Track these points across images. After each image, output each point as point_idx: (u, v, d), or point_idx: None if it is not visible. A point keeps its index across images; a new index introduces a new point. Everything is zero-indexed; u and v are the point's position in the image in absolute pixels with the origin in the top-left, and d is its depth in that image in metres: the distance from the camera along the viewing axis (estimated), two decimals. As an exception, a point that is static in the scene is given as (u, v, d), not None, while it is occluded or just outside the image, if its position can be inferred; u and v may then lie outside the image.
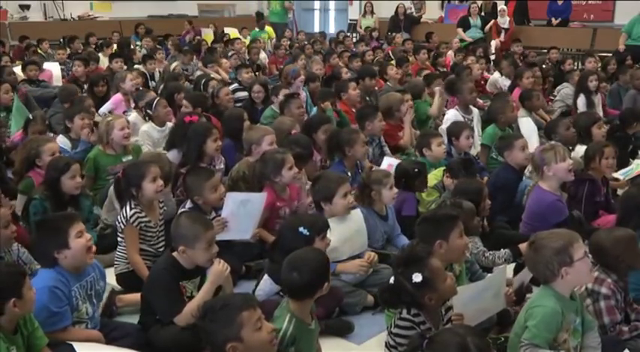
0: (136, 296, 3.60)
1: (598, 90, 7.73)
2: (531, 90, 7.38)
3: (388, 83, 8.32)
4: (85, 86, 8.00)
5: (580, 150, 5.33)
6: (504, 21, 12.99)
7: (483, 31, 13.16)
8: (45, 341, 2.85)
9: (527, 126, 6.26)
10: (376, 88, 7.98)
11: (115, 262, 4.00)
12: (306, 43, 12.81)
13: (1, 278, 2.63)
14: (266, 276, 3.55)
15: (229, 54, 10.67)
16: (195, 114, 5.66)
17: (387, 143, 6.05)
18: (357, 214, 4.01)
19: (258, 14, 15.78)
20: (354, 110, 6.63)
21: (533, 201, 4.41)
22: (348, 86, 7.05)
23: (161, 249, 4.00)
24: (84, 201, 4.43)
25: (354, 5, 17.57)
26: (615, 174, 5.41)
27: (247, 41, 12.83)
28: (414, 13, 15.17)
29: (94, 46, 12.11)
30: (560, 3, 13.27)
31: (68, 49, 11.56)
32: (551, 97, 8.64)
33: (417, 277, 2.64)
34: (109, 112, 6.99)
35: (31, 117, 6.08)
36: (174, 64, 9.46)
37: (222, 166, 5.06)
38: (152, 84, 9.00)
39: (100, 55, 10.73)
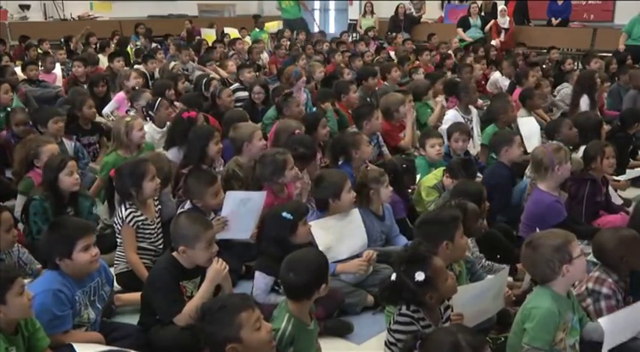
0: (134, 296, 3.61)
1: (600, 91, 7.73)
2: (532, 89, 7.39)
3: (386, 83, 8.32)
4: (85, 86, 7.99)
5: (581, 150, 5.34)
6: (504, 21, 12.99)
7: (483, 31, 13.16)
8: (46, 343, 2.85)
9: (529, 126, 6.23)
10: (376, 88, 7.97)
11: (115, 262, 4.00)
12: (306, 43, 12.81)
13: None
14: (257, 273, 3.55)
15: (230, 54, 10.67)
16: (193, 109, 5.65)
17: (388, 144, 6.06)
18: (356, 214, 4.02)
19: (255, 16, 15.84)
20: (350, 112, 6.61)
21: (532, 202, 4.41)
22: (348, 88, 7.06)
23: (161, 247, 4.01)
24: (83, 202, 4.42)
25: (354, 5, 17.57)
26: (622, 179, 5.43)
27: (248, 41, 12.84)
28: (414, 13, 15.17)
29: (94, 47, 12.12)
30: (560, 3, 13.27)
31: (64, 49, 11.56)
32: (551, 97, 8.62)
33: (420, 276, 2.66)
34: (111, 112, 7.02)
35: (9, 110, 6.01)
36: (172, 64, 9.45)
37: (221, 168, 5.06)
38: (152, 83, 8.99)
39: (100, 55, 10.73)
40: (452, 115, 6.53)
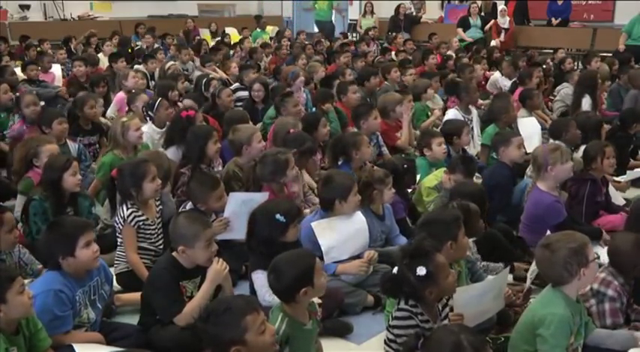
0: (134, 296, 3.60)
1: (600, 91, 7.73)
2: (532, 89, 7.39)
3: (386, 83, 8.32)
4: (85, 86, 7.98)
5: (581, 150, 5.34)
6: (504, 21, 12.99)
7: (483, 31, 13.16)
8: (48, 343, 2.85)
9: (530, 126, 6.23)
10: (377, 89, 7.98)
11: (115, 261, 4.00)
12: (307, 43, 12.81)
13: None
14: (254, 275, 3.48)
15: (231, 53, 10.67)
16: (191, 109, 5.65)
17: (386, 143, 6.06)
18: (358, 214, 4.01)
19: (257, 17, 15.86)
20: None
21: (532, 202, 4.41)
22: (347, 89, 7.06)
23: (161, 247, 4.01)
24: (83, 202, 4.41)
25: (354, 5, 17.57)
26: (623, 180, 5.43)
27: (251, 42, 12.85)
28: (414, 13, 15.17)
29: (94, 47, 12.12)
30: (560, 3, 13.27)
31: (64, 49, 11.56)
32: (551, 97, 8.63)
33: (422, 270, 2.68)
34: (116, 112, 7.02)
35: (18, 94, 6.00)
36: (168, 64, 9.45)
37: (220, 168, 5.06)
38: (152, 83, 8.99)
39: (99, 55, 10.73)
40: (452, 115, 6.54)
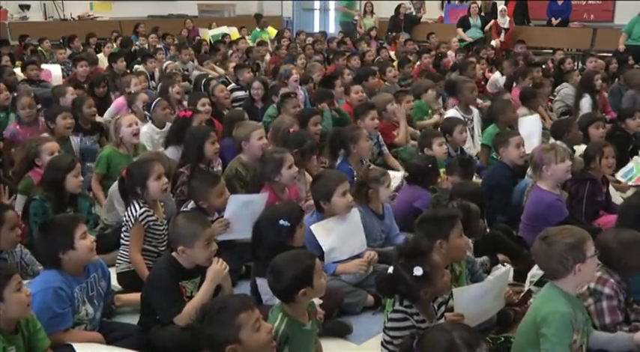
0: (134, 296, 3.60)
1: (600, 91, 7.73)
2: (533, 88, 7.39)
3: (387, 83, 8.33)
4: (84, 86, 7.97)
5: (580, 149, 5.34)
6: (504, 21, 12.98)
7: (483, 31, 13.16)
8: (47, 344, 2.85)
9: (531, 125, 6.21)
10: (377, 89, 7.98)
11: (117, 261, 3.98)
12: (307, 42, 12.82)
13: None
14: (259, 281, 3.46)
15: (230, 53, 10.67)
16: (190, 109, 5.65)
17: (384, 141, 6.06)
18: (355, 214, 4.00)
19: (257, 15, 15.85)
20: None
21: (532, 201, 4.41)
22: (350, 90, 7.07)
23: (163, 249, 3.99)
24: (82, 202, 4.41)
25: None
26: (618, 176, 5.42)
27: (248, 41, 12.84)
28: (414, 13, 15.17)
29: (94, 47, 12.13)
30: (560, 3, 13.27)
31: (68, 49, 11.57)
32: (551, 97, 8.63)
33: (418, 270, 2.67)
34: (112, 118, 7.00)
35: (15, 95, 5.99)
36: (166, 63, 9.46)
37: (219, 168, 5.06)
38: (152, 83, 9.00)
39: (99, 55, 10.73)
40: (452, 115, 6.53)
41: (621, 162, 5.41)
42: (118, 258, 3.99)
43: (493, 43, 12.57)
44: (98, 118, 6.59)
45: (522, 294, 3.64)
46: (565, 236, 2.86)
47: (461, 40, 12.64)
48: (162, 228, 3.98)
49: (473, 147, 6.35)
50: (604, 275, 3.21)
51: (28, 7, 15.47)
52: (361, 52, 11.24)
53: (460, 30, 13.08)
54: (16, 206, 4.50)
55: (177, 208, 4.36)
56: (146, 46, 12.12)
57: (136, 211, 3.87)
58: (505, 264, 4.16)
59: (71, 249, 3.05)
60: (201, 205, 4.06)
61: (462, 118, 6.35)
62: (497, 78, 9.20)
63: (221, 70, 9.32)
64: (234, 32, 14.19)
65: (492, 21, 13.09)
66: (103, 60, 10.35)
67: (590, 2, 14.15)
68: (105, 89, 7.54)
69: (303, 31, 14.63)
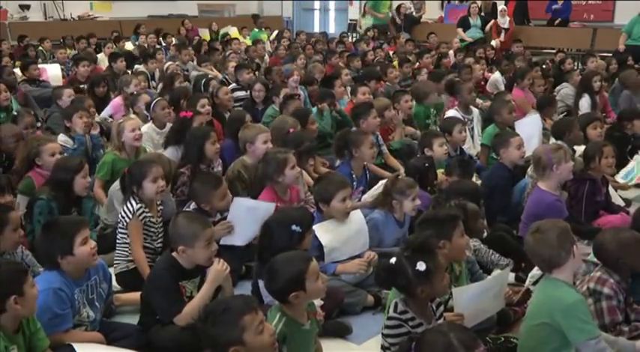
0: (134, 296, 3.60)
1: (600, 91, 7.73)
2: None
3: (387, 84, 8.32)
4: (82, 86, 7.97)
5: (579, 149, 5.34)
6: (504, 21, 12.98)
7: (483, 31, 13.16)
8: (47, 344, 2.85)
9: (531, 125, 6.20)
10: (379, 90, 7.97)
11: (115, 261, 4.00)
12: (306, 43, 12.83)
13: (2, 274, 2.64)
14: (262, 283, 3.47)
15: (227, 53, 10.67)
16: (190, 110, 5.65)
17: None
18: (358, 215, 4.00)
19: (254, 16, 15.87)
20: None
21: (533, 201, 4.40)
22: (356, 90, 7.09)
23: (160, 247, 4.03)
24: (86, 203, 4.42)
25: (354, 5, 17.58)
26: (618, 178, 5.42)
27: (248, 41, 12.83)
28: (414, 13, 15.17)
29: (94, 47, 12.13)
30: (560, 3, 13.27)
31: (74, 50, 11.59)
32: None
33: (421, 266, 2.66)
34: (110, 117, 7.00)
35: (16, 114, 5.97)
36: (167, 64, 9.46)
37: (219, 168, 5.06)
38: (152, 83, 9.01)
39: (100, 55, 10.74)
40: (452, 115, 6.54)
41: (620, 162, 5.41)
42: (116, 258, 4.00)
43: (493, 43, 12.57)
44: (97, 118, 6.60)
45: (521, 293, 3.63)
46: (554, 223, 2.95)
47: (461, 40, 12.64)
48: (156, 226, 4.02)
49: (473, 147, 6.35)
50: (603, 276, 3.22)
51: (28, 7, 15.48)
52: (362, 52, 11.24)
53: (460, 30, 13.08)
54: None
55: (178, 208, 4.36)
56: (146, 46, 12.13)
57: (132, 206, 3.90)
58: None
59: (70, 255, 3.06)
60: (203, 207, 4.06)
61: (462, 118, 6.35)
62: (497, 78, 9.20)
63: (218, 73, 9.32)
64: (234, 32, 14.21)
65: (492, 21, 13.09)
66: (103, 60, 10.35)
67: (590, 2, 14.15)
68: (105, 89, 7.54)
69: (303, 31, 14.64)
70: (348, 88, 7.73)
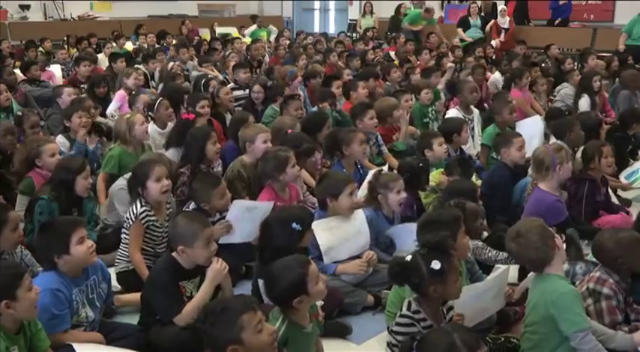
0: (134, 296, 3.61)
1: (600, 91, 7.73)
2: (522, 89, 7.43)
3: (388, 83, 8.32)
4: (82, 86, 7.98)
5: (580, 149, 5.33)
6: (504, 21, 12.98)
7: (483, 31, 13.16)
8: (47, 344, 2.85)
9: (531, 126, 6.21)
10: (379, 90, 7.97)
11: (117, 260, 4.00)
12: (307, 42, 12.83)
13: None
14: (262, 283, 3.45)
15: (227, 53, 10.67)
16: (192, 112, 5.65)
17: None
18: (360, 214, 4.01)
19: (253, 16, 15.89)
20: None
21: (533, 202, 4.40)
22: (357, 85, 7.06)
23: (161, 251, 3.99)
24: (87, 203, 4.41)
25: (354, 5, 17.59)
26: (621, 177, 5.42)
27: (247, 40, 12.84)
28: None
29: (94, 47, 12.13)
30: (560, 3, 13.27)
31: (76, 50, 11.60)
32: (551, 97, 8.63)
33: (436, 264, 2.66)
34: (115, 112, 7.01)
35: (20, 114, 5.96)
36: (170, 64, 9.47)
37: (219, 169, 5.06)
38: (152, 83, 9.01)
39: (100, 55, 10.74)
40: (453, 115, 6.54)
41: (620, 162, 5.41)
42: (118, 257, 4.00)
43: (493, 43, 12.57)
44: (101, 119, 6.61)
45: (520, 293, 3.63)
46: (530, 224, 3.04)
47: (461, 40, 12.63)
48: (161, 230, 3.98)
49: (473, 147, 6.35)
50: (603, 275, 3.22)
51: (28, 7, 15.49)
52: (361, 52, 11.23)
53: (460, 30, 13.09)
54: (17, 206, 4.51)
55: (178, 209, 4.35)
56: (145, 45, 12.12)
57: (136, 209, 3.89)
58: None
59: (66, 254, 3.05)
60: (203, 207, 4.06)
61: (463, 118, 6.36)
62: (497, 78, 9.20)
63: (218, 73, 9.32)
64: (234, 32, 14.21)
65: (492, 21, 13.09)
66: (103, 60, 10.35)
67: (590, 2, 14.16)
68: (105, 89, 7.54)
69: (303, 31, 14.63)
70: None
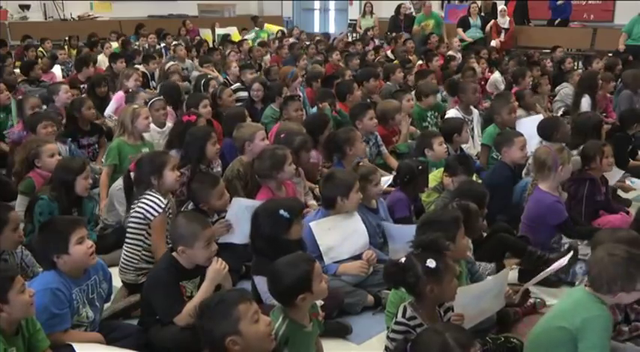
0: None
1: (601, 91, 7.72)
2: (524, 89, 7.40)
3: (388, 83, 8.32)
4: (82, 87, 7.98)
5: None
6: (504, 21, 12.98)
7: (483, 31, 13.16)
8: (46, 344, 2.85)
9: (531, 126, 6.19)
10: (379, 90, 7.97)
11: (123, 267, 3.86)
12: (308, 43, 12.83)
13: None
14: (257, 278, 3.47)
15: (227, 52, 10.67)
16: (193, 113, 5.65)
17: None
18: (356, 214, 4.01)
19: (254, 17, 15.89)
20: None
21: (533, 202, 4.40)
22: (352, 87, 7.06)
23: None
24: (87, 203, 4.40)
25: (354, 5, 17.60)
26: (627, 181, 5.43)
27: (250, 42, 12.84)
28: (414, 13, 15.15)
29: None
30: (559, 3, 13.27)
31: (75, 51, 11.62)
32: (551, 97, 8.63)
33: (431, 263, 2.66)
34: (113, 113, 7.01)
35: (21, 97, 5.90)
36: (168, 64, 9.47)
37: (219, 169, 5.06)
38: (152, 83, 9.01)
39: (100, 56, 10.74)
40: (453, 115, 6.54)
41: (620, 162, 5.40)
42: (124, 265, 3.85)
43: (493, 43, 12.57)
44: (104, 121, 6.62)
45: (520, 293, 3.63)
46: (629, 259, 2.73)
47: (461, 40, 12.63)
48: (167, 226, 3.94)
49: (473, 147, 6.35)
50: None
51: (28, 7, 15.50)
52: (361, 52, 11.23)
53: (460, 30, 13.08)
54: (17, 206, 4.50)
55: (177, 209, 4.35)
56: (146, 45, 12.12)
57: (160, 201, 3.82)
58: (513, 266, 4.17)
59: (65, 254, 3.05)
60: (202, 207, 4.06)
61: (463, 118, 6.35)
62: (497, 78, 9.20)
63: (217, 74, 9.32)
64: (234, 33, 14.21)
65: (492, 21, 13.09)
66: (103, 60, 10.35)
67: (590, 2, 14.16)
68: (105, 89, 7.54)
69: (303, 31, 14.63)
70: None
